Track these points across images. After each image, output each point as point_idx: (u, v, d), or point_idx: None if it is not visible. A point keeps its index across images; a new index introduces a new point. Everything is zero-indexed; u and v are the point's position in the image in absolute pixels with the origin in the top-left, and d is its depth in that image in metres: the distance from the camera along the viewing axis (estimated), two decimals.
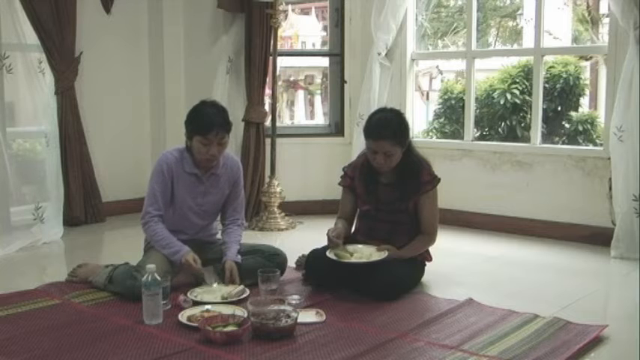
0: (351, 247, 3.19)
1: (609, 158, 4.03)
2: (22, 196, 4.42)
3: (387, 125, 3.13)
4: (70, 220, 4.68)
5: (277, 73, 4.94)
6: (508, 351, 2.45)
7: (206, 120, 3.09)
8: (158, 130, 5.34)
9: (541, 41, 4.51)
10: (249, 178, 4.90)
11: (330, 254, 3.09)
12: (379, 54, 4.90)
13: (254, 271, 3.04)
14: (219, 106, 3.19)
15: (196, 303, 2.87)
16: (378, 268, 3.04)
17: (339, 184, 3.41)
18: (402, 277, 3.14)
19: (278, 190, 4.82)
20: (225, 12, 5.02)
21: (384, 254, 3.08)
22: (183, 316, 2.70)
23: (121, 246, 4.21)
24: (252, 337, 2.55)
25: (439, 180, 3.25)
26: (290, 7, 6.83)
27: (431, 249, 3.32)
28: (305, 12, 10.07)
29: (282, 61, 5.79)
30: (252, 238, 4.07)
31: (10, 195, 4.24)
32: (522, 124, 5.81)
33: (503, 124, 5.93)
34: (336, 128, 5.37)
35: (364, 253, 3.12)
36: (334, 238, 3.12)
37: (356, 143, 4.85)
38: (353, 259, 3.08)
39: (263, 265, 3.12)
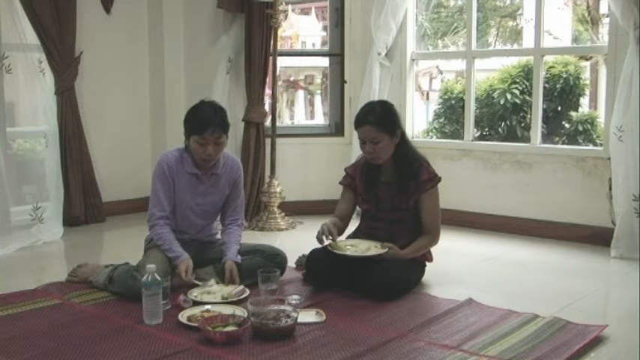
0: (350, 241, 3.20)
1: (609, 158, 4.03)
2: (22, 196, 4.42)
3: (370, 112, 3.19)
4: (70, 220, 4.68)
5: (277, 73, 4.94)
6: (508, 351, 2.45)
7: (202, 119, 3.08)
8: (158, 130, 5.34)
9: (541, 41, 4.51)
10: (249, 178, 4.90)
11: (330, 247, 3.10)
12: (379, 54, 4.90)
13: (254, 271, 3.04)
14: (217, 106, 3.18)
15: (196, 303, 2.87)
16: (378, 268, 3.04)
17: (340, 182, 3.41)
18: (402, 277, 3.14)
19: (278, 190, 4.82)
20: (225, 12, 5.02)
21: (382, 250, 3.08)
22: (183, 316, 2.70)
23: (121, 246, 4.20)
24: (252, 337, 2.55)
25: (439, 179, 3.25)
26: (290, 7, 6.83)
27: (431, 249, 3.32)
28: (305, 12, 10.08)
29: (282, 61, 5.79)
30: (252, 238, 4.06)
31: (10, 195, 4.24)
32: (522, 124, 5.81)
33: (503, 124, 5.93)
34: (336, 128, 5.37)
35: (361, 247, 3.12)
36: (321, 235, 3.11)
37: (356, 143, 4.83)
38: (349, 252, 3.08)
39: (263, 265, 3.12)
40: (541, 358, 2.39)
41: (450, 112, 6.11)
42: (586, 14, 8.70)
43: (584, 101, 6.25)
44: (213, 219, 3.39)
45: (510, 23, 9.33)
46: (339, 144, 5.24)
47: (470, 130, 4.86)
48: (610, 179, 4.05)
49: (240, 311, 2.72)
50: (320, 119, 8.65)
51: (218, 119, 3.10)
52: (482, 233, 4.55)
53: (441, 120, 6.17)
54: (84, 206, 4.80)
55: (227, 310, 2.74)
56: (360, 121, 3.18)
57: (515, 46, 8.93)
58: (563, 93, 5.84)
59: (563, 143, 5.69)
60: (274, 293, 2.92)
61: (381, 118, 3.15)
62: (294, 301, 2.81)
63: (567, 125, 5.89)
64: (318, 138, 5.37)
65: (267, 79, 5.03)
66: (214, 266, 3.22)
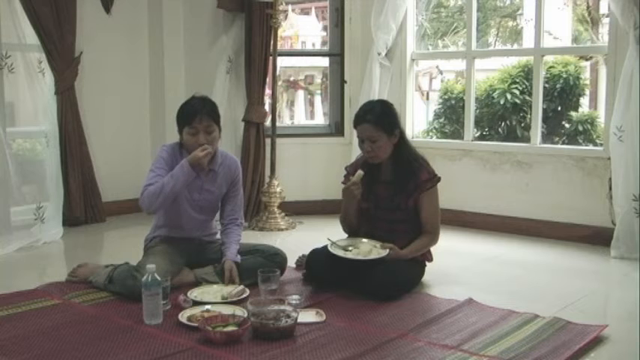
0: (350, 241, 3.20)
1: (609, 158, 4.03)
2: (22, 196, 4.42)
3: (369, 111, 3.21)
4: (70, 220, 4.68)
5: (277, 73, 4.94)
6: (508, 351, 2.45)
7: (190, 109, 3.14)
8: (158, 130, 5.33)
9: (541, 41, 4.51)
10: (249, 178, 4.90)
11: (331, 248, 3.11)
12: (379, 54, 4.90)
13: (254, 271, 3.04)
14: (206, 99, 3.22)
15: (196, 303, 2.87)
16: (378, 268, 3.04)
17: (343, 182, 3.41)
18: (403, 277, 3.14)
19: (278, 190, 4.82)
20: (225, 12, 5.02)
21: (383, 252, 3.08)
22: (183, 316, 2.70)
23: (121, 246, 4.20)
24: (252, 337, 2.55)
25: (439, 179, 3.25)
26: (290, 7, 6.84)
27: (431, 249, 3.32)
28: (305, 12, 10.09)
29: (282, 61, 5.80)
30: (252, 238, 4.07)
31: (11, 195, 4.24)
32: (522, 124, 5.81)
33: (503, 124, 5.93)
34: (336, 128, 5.37)
35: (363, 249, 3.12)
36: (351, 185, 3.14)
37: (356, 143, 4.83)
38: (350, 255, 3.09)
39: (263, 265, 3.12)
40: (541, 358, 2.39)
41: (450, 112, 6.11)
42: (586, 14, 8.71)
43: (584, 101, 6.25)
44: (212, 216, 3.39)
45: (510, 23, 9.34)
46: (339, 144, 5.24)
47: (470, 130, 4.85)
48: (610, 179, 4.05)
49: (240, 311, 2.72)
50: (320, 119, 8.65)
51: (207, 109, 3.14)
52: (482, 233, 4.55)
53: (441, 120, 6.16)
54: (84, 206, 4.81)
55: (227, 310, 2.74)
56: (358, 120, 3.20)
57: (515, 46, 8.93)
58: (563, 93, 5.83)
59: (563, 143, 5.68)
60: (274, 293, 2.92)
61: (379, 117, 3.16)
62: (294, 301, 2.81)
63: (567, 125, 5.89)
64: (318, 138, 5.36)
65: (267, 79, 5.03)
66: (214, 266, 3.22)
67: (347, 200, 3.24)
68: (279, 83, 6.12)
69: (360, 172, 3.18)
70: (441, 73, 8.06)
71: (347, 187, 3.18)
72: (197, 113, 3.10)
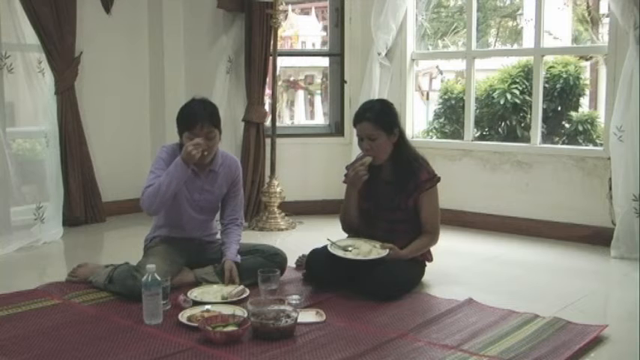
0: (350, 241, 3.20)
1: (609, 158, 4.03)
2: (22, 196, 4.42)
3: (369, 109, 3.22)
4: (70, 220, 4.68)
5: (277, 73, 4.94)
6: (508, 351, 2.45)
7: (190, 115, 3.10)
8: (158, 130, 5.34)
9: (541, 41, 4.51)
10: (249, 178, 4.90)
11: (331, 248, 3.12)
12: (379, 54, 4.90)
13: (254, 271, 3.04)
14: (206, 101, 3.20)
15: (196, 303, 2.87)
16: (378, 268, 3.05)
17: (344, 182, 3.41)
18: (403, 276, 3.14)
19: (278, 190, 4.82)
20: (225, 12, 5.02)
21: (383, 252, 3.08)
22: (183, 316, 2.70)
23: (121, 246, 4.20)
24: (252, 337, 2.55)
25: (439, 179, 3.25)
26: (290, 7, 6.83)
27: (431, 249, 3.32)
28: (305, 12, 10.09)
29: (282, 61, 5.80)
30: (252, 238, 4.07)
31: (11, 195, 4.24)
32: (522, 124, 5.81)
33: (503, 124, 5.93)
34: (336, 128, 5.37)
35: (363, 249, 3.12)
36: (359, 167, 3.14)
37: (356, 143, 4.84)
38: (350, 255, 3.09)
39: (263, 265, 3.12)
40: (541, 358, 2.39)
41: (450, 112, 6.11)
42: (586, 14, 8.71)
43: (584, 101, 6.25)
44: (212, 216, 3.39)
45: (510, 23, 9.34)
46: (339, 144, 5.24)
47: (470, 130, 4.85)
48: (610, 179, 4.05)
49: (240, 311, 2.72)
50: (320, 119, 8.65)
51: (207, 114, 3.11)
52: (482, 233, 4.55)
53: (441, 120, 6.17)
54: (84, 206, 4.80)
55: (227, 310, 2.74)
56: (358, 118, 3.21)
57: (515, 46, 8.93)
58: (563, 93, 5.83)
59: (563, 143, 5.69)
60: (274, 293, 2.92)
61: (378, 115, 3.16)
62: (294, 301, 2.81)
63: (567, 125, 5.89)
64: (318, 138, 5.37)
65: (267, 79, 5.03)
66: (214, 266, 3.22)
67: (351, 185, 3.22)
68: (279, 83, 6.12)
69: (368, 158, 3.18)
70: (441, 73, 8.06)
71: (354, 168, 3.18)
72: (198, 120, 3.06)
